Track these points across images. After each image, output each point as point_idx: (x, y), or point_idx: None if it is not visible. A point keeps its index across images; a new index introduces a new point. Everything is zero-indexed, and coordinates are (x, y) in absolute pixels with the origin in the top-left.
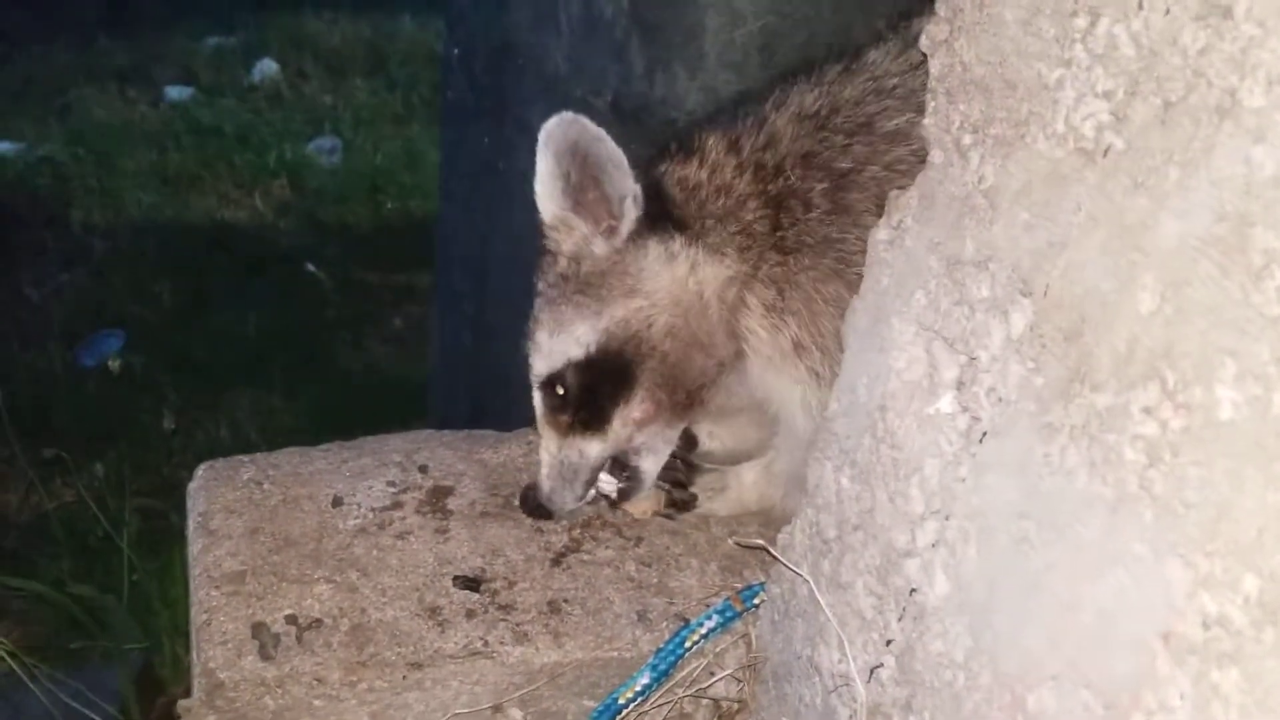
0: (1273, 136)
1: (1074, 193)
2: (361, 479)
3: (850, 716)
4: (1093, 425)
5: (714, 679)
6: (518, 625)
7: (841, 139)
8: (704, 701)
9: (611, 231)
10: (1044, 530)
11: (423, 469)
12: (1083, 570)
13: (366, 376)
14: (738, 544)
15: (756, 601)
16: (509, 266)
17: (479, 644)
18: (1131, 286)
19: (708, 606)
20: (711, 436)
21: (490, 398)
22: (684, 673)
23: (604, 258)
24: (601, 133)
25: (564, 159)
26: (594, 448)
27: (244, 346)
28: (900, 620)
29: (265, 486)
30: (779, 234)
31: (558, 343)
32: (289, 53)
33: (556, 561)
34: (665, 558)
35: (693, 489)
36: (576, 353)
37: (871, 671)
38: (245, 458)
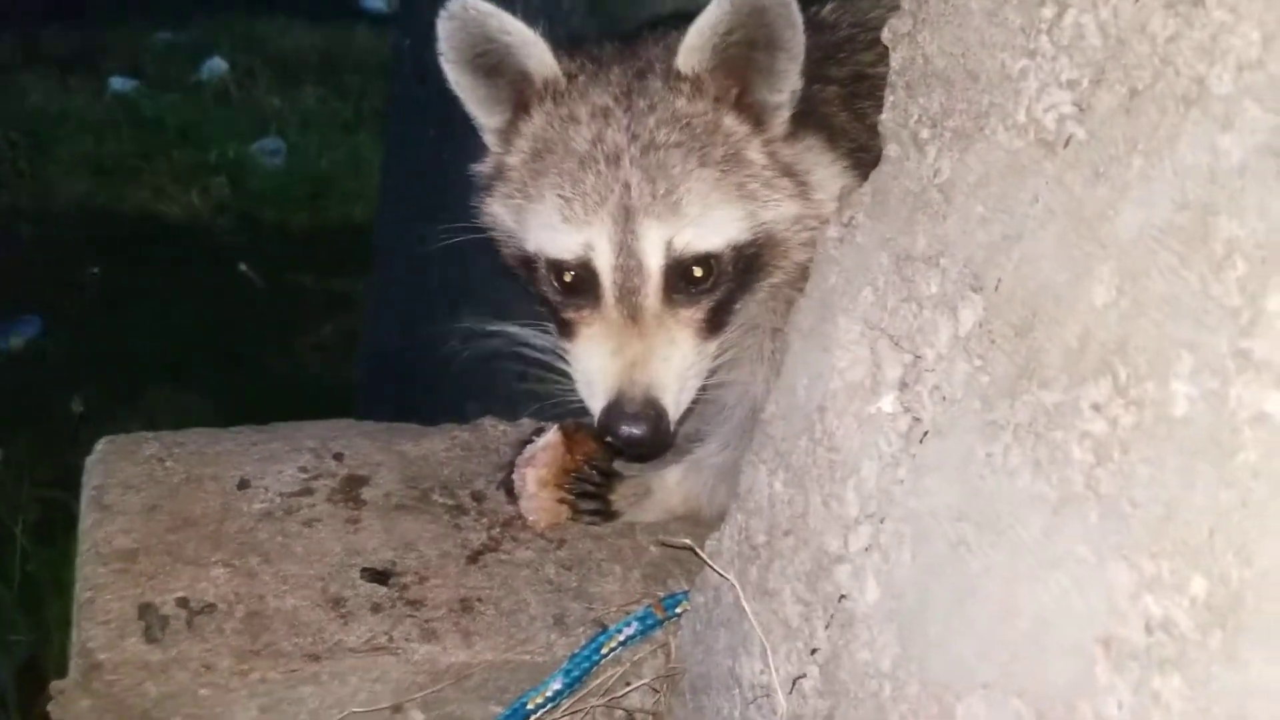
0: (1240, 124)
1: (1032, 184)
2: (271, 463)
3: None
4: (1039, 423)
5: (629, 689)
6: (426, 622)
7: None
8: (617, 712)
9: (756, 125)
10: (982, 533)
11: (338, 457)
12: (1021, 574)
13: (291, 380)
14: (664, 543)
15: (679, 610)
16: (448, 264)
17: (383, 639)
18: (1087, 279)
19: (628, 613)
20: None
21: (416, 399)
22: (598, 681)
23: (760, 140)
24: (797, 15)
25: (740, 17)
26: (710, 350)
27: (167, 342)
28: (827, 628)
29: (168, 464)
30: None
31: (717, 216)
32: (240, 54)
33: (473, 559)
34: (587, 562)
35: (612, 497)
36: (739, 236)
37: (794, 682)
38: (150, 434)
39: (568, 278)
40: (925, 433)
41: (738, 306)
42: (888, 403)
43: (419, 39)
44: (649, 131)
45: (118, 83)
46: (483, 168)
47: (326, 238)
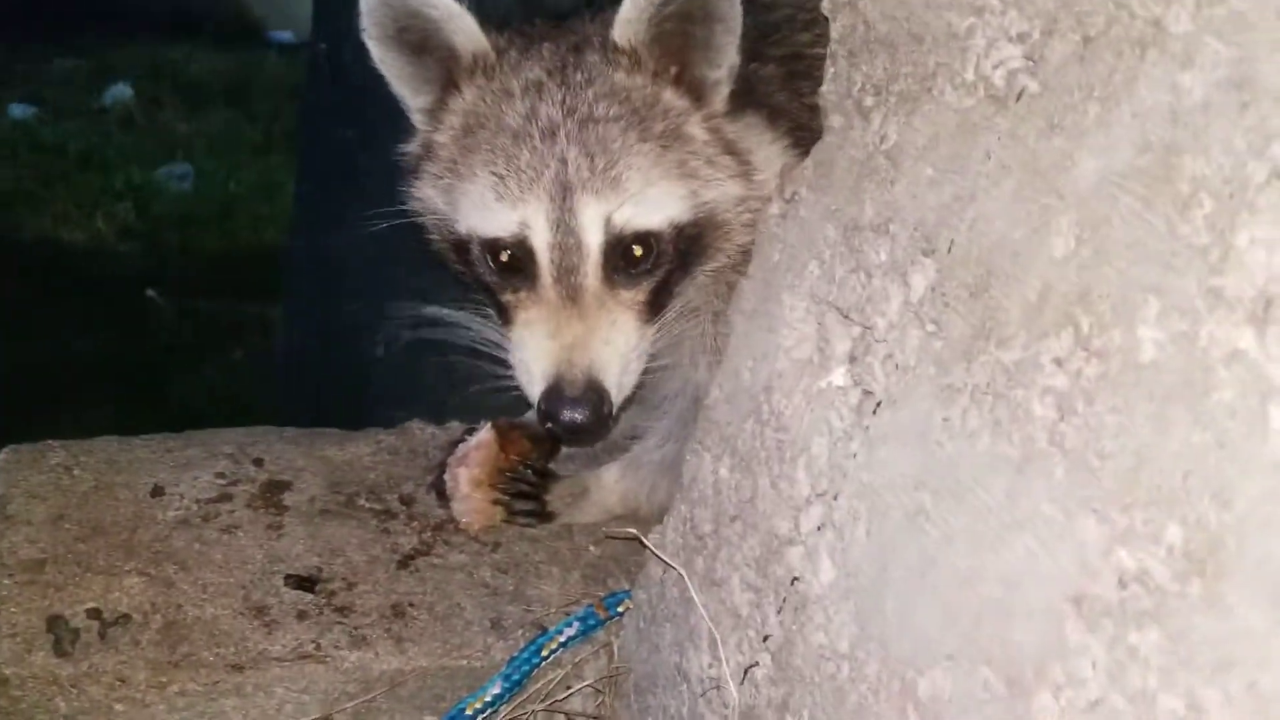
0: (1201, 60)
1: (984, 141)
2: (187, 469)
3: None
4: (998, 383)
5: (570, 691)
6: (355, 629)
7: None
8: (558, 716)
9: (700, 99)
10: (942, 500)
11: (257, 462)
12: (984, 539)
13: (201, 405)
14: (609, 535)
15: (621, 609)
16: (367, 266)
17: (310, 647)
18: (1045, 232)
19: (568, 614)
20: None
21: (335, 406)
22: (538, 685)
23: (701, 115)
24: None
25: None
26: (649, 334)
27: (70, 371)
28: (780, 613)
29: (76, 472)
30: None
31: (659, 192)
32: (145, 79)
33: (403, 564)
34: (524, 564)
35: (548, 498)
36: (681, 215)
37: (745, 672)
38: (55, 443)
39: (504, 257)
40: (878, 404)
41: (677, 290)
42: (838, 376)
43: (333, 39)
44: (587, 105)
45: (17, 110)
46: (410, 148)
47: (237, 261)
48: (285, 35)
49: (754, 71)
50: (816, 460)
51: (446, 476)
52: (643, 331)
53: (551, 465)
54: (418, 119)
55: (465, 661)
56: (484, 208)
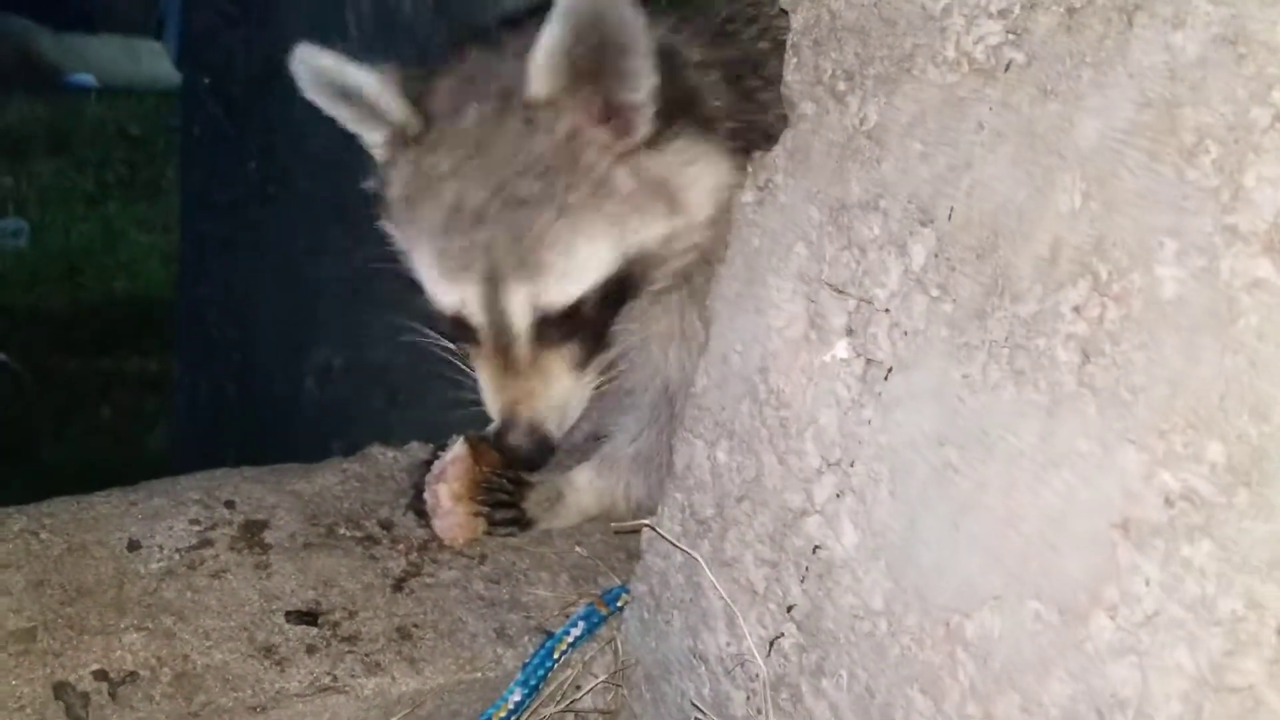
0: (1193, 21)
1: (974, 112)
2: (158, 520)
3: (748, 699)
4: (1017, 335)
5: (585, 691)
6: (367, 655)
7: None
8: (570, 715)
9: (621, 130)
10: (969, 452)
11: (229, 504)
12: (1020, 482)
13: (75, 472)
14: (617, 530)
15: (620, 603)
16: (288, 298)
17: (326, 679)
18: (1049, 191)
19: (568, 616)
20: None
21: (262, 446)
22: (551, 687)
23: (621, 156)
24: (634, 13)
25: (580, 29)
26: (592, 368)
27: None
28: (803, 582)
29: (43, 536)
30: (750, 116)
31: (577, 267)
32: None
33: (398, 587)
34: (513, 573)
35: (525, 505)
36: (601, 277)
37: (771, 644)
38: (11, 509)
39: (452, 320)
40: (889, 370)
41: (615, 321)
42: (841, 349)
43: (215, 71)
44: (511, 184)
45: None
46: (372, 185)
47: (89, 316)
48: (86, 79)
49: (691, 79)
50: (826, 431)
51: (426, 495)
52: (580, 376)
53: (523, 474)
54: (376, 153)
55: (479, 674)
56: (430, 279)
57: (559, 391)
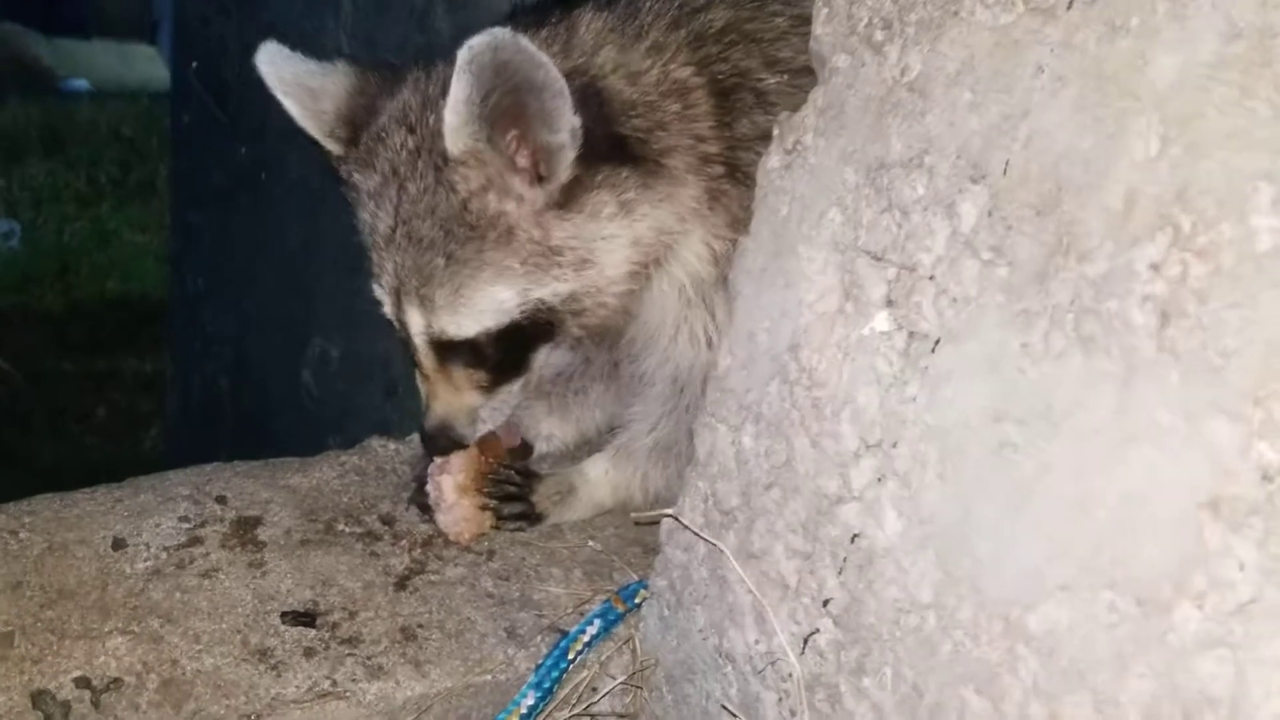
0: None
1: (1032, 56)
2: (145, 517)
3: (780, 700)
4: (1084, 298)
5: (603, 693)
6: (369, 658)
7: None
8: (590, 718)
9: (537, 178)
10: (1031, 429)
11: (220, 500)
12: (1092, 461)
13: (72, 469)
14: (637, 521)
15: (638, 600)
16: (283, 289)
17: (326, 684)
18: (1122, 136)
19: (582, 614)
20: (549, 440)
21: (264, 439)
22: (566, 690)
23: (533, 213)
24: (542, 57)
25: (487, 80)
26: (515, 387)
27: None
28: (840, 574)
29: (22, 535)
30: (729, 135)
31: (468, 310)
32: None
33: (400, 585)
34: (523, 570)
35: (534, 499)
36: (496, 321)
37: (805, 641)
38: None
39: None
40: (936, 342)
41: (538, 353)
42: (881, 321)
43: (206, 59)
44: (413, 220)
45: None
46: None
47: (82, 316)
48: (81, 84)
49: (626, 121)
50: (865, 411)
51: (429, 487)
52: (484, 397)
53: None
54: (325, 144)
55: (489, 676)
56: (370, 272)
57: (462, 403)
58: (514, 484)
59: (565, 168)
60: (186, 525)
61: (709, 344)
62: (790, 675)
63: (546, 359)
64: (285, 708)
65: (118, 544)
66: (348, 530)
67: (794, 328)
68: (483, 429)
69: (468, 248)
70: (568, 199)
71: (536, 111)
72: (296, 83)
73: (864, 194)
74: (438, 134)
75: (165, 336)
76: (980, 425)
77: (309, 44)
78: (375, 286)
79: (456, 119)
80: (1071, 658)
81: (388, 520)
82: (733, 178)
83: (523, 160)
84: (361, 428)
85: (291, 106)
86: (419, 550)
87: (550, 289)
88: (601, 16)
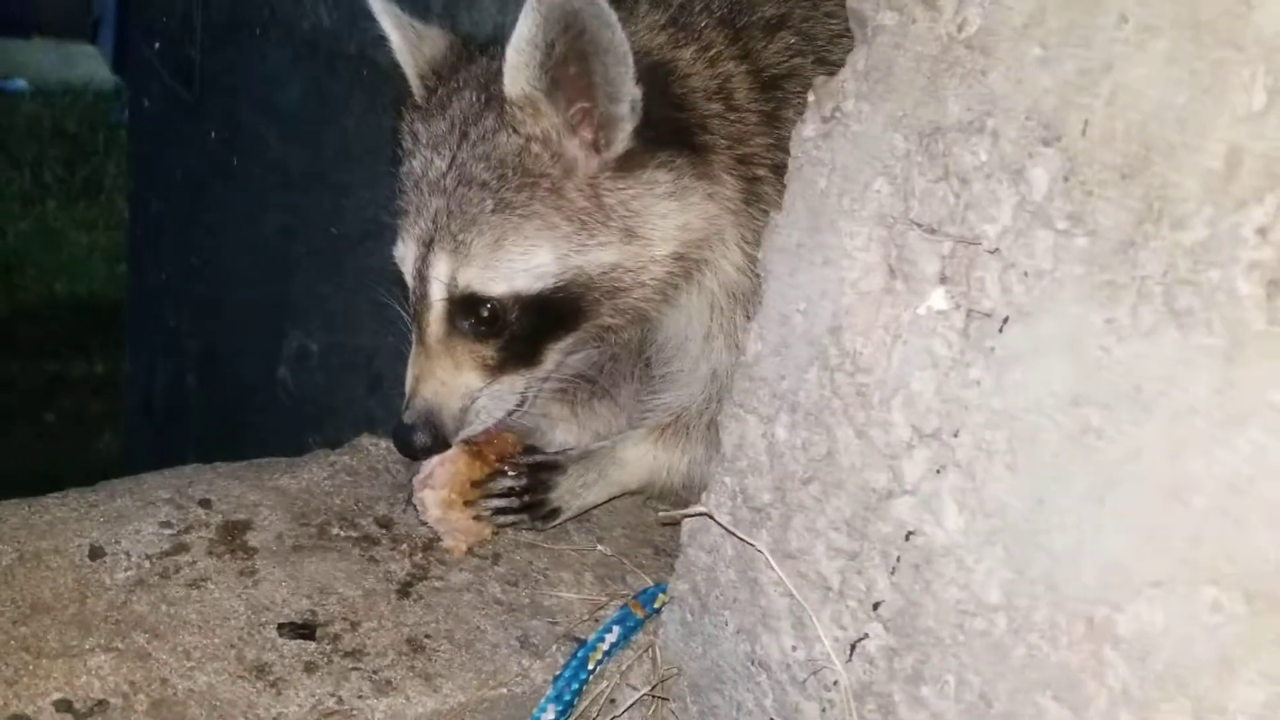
0: None
1: (1114, 4)
2: (123, 523)
3: (824, 711)
4: (1180, 268)
5: (622, 708)
6: (375, 673)
7: None
8: None
9: (595, 145)
10: (1118, 412)
11: (204, 504)
12: (1189, 444)
13: (22, 480)
14: (663, 521)
15: (658, 605)
16: (257, 280)
17: (331, 701)
18: (1222, 90)
19: (598, 620)
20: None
21: (236, 440)
22: (586, 702)
23: (586, 175)
24: (612, 17)
25: (553, 27)
26: (520, 380)
27: None
28: (893, 574)
29: None
30: (775, 132)
31: (504, 263)
32: None
33: (403, 593)
34: (531, 574)
35: (552, 495)
36: (530, 286)
37: (852, 648)
38: None
39: (398, 280)
40: (1004, 320)
41: (556, 346)
42: (938, 299)
43: (168, 40)
44: (470, 164)
45: None
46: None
47: (28, 319)
48: (20, 84)
49: (688, 103)
50: (919, 398)
51: (414, 501)
52: (490, 377)
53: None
54: (414, 85)
55: (505, 690)
56: (396, 233)
57: (463, 384)
58: (529, 490)
59: (623, 139)
60: (169, 531)
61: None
62: (836, 684)
63: (561, 360)
64: None
65: (95, 552)
66: (343, 534)
67: (834, 309)
68: (471, 426)
69: (520, 195)
70: (622, 167)
71: (600, 75)
72: (403, 20)
73: (915, 162)
74: (499, 74)
75: (124, 334)
76: (1057, 409)
77: (281, 19)
78: (399, 243)
79: (518, 58)
80: (1167, 662)
81: (385, 523)
82: (777, 180)
83: (586, 133)
84: (344, 426)
85: (394, 34)
86: (420, 555)
87: (592, 256)
88: (657, 9)
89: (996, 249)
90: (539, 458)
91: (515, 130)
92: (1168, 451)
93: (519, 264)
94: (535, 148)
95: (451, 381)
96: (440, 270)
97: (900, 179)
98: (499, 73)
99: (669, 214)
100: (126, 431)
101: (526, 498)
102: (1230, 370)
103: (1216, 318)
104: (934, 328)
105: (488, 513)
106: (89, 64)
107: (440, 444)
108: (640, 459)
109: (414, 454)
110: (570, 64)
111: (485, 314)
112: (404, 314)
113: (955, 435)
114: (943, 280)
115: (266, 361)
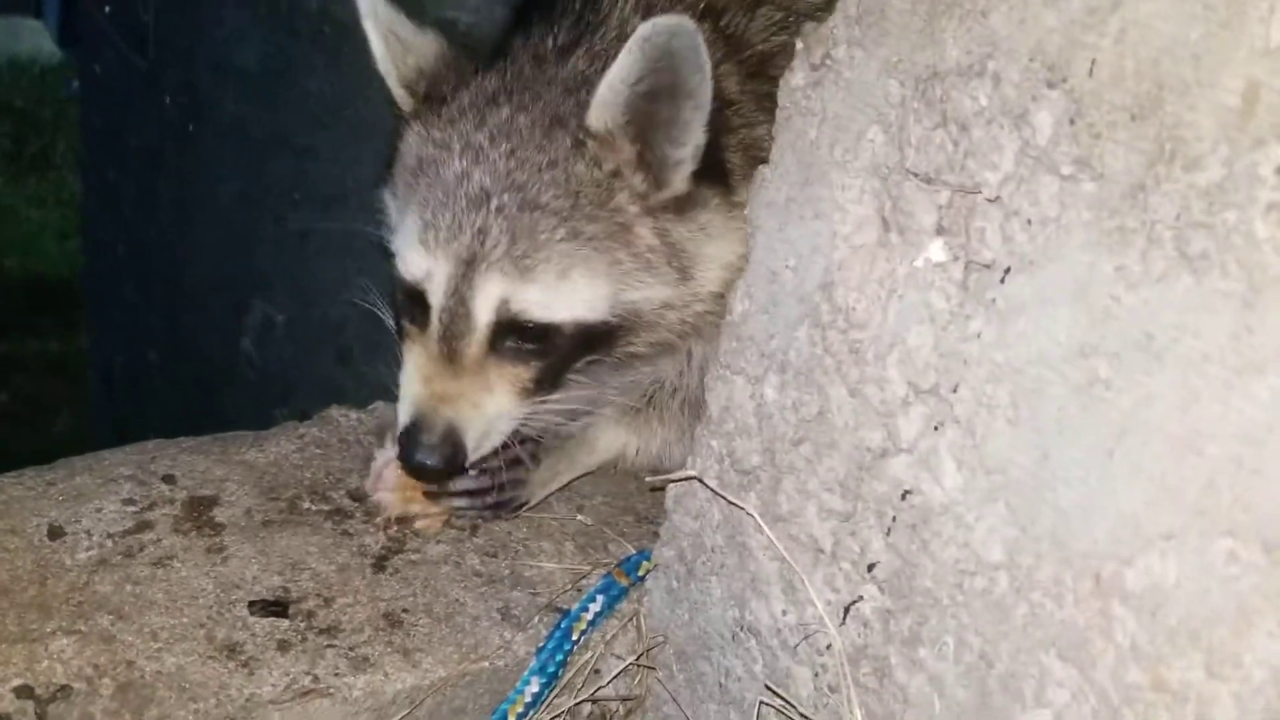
0: None
1: None
2: (83, 501)
3: (817, 676)
4: (1194, 211)
5: (607, 678)
6: (352, 649)
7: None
8: (585, 707)
9: (654, 184)
10: (1128, 362)
11: (168, 479)
12: (1205, 393)
13: None
14: (652, 486)
15: (642, 572)
16: (219, 249)
17: (306, 680)
18: (1239, 23)
19: (581, 590)
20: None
21: (200, 416)
22: (570, 673)
23: (651, 213)
24: (707, 65)
25: (649, 66)
26: (542, 404)
27: None
28: (888, 535)
29: None
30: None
31: (568, 293)
32: None
33: (379, 566)
34: (510, 545)
35: (520, 494)
36: (585, 314)
37: (846, 611)
38: None
39: (409, 292)
40: (1006, 270)
41: (573, 371)
42: (935, 250)
43: (118, 4)
44: (532, 184)
45: None
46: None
47: None
48: None
49: (724, 145)
50: (916, 353)
51: (374, 502)
52: (519, 401)
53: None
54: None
55: (487, 663)
56: (406, 244)
57: (494, 407)
58: (499, 487)
59: (681, 180)
60: (132, 509)
61: None
62: (829, 648)
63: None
64: (262, 709)
65: (54, 532)
66: (314, 508)
67: (826, 264)
68: (487, 447)
69: (592, 226)
70: (679, 208)
71: (668, 119)
72: (389, 26)
73: (912, 109)
74: (581, 105)
75: (80, 312)
76: (1063, 361)
77: None
78: (420, 255)
79: (612, 96)
80: (1180, 616)
81: (357, 496)
82: None
83: (650, 148)
84: (312, 399)
85: (377, 44)
86: (395, 528)
87: (647, 293)
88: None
89: (998, 197)
90: (513, 453)
91: (598, 164)
92: (1181, 401)
93: (583, 294)
94: (614, 182)
95: (482, 404)
96: (491, 292)
97: (895, 127)
98: (563, 95)
99: (719, 255)
100: (89, 411)
101: (493, 497)
102: (1248, 315)
103: (1233, 261)
104: (931, 280)
105: (482, 514)
106: (34, 38)
107: (458, 468)
108: (611, 443)
109: (434, 476)
110: (648, 102)
111: (537, 338)
112: (392, 321)
113: (954, 391)
114: (940, 231)
115: (230, 335)
